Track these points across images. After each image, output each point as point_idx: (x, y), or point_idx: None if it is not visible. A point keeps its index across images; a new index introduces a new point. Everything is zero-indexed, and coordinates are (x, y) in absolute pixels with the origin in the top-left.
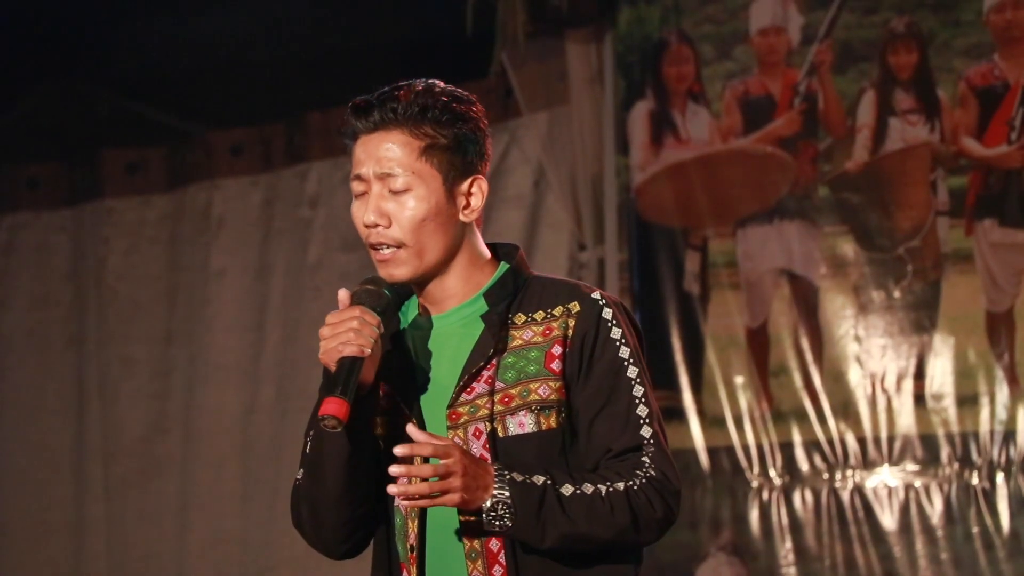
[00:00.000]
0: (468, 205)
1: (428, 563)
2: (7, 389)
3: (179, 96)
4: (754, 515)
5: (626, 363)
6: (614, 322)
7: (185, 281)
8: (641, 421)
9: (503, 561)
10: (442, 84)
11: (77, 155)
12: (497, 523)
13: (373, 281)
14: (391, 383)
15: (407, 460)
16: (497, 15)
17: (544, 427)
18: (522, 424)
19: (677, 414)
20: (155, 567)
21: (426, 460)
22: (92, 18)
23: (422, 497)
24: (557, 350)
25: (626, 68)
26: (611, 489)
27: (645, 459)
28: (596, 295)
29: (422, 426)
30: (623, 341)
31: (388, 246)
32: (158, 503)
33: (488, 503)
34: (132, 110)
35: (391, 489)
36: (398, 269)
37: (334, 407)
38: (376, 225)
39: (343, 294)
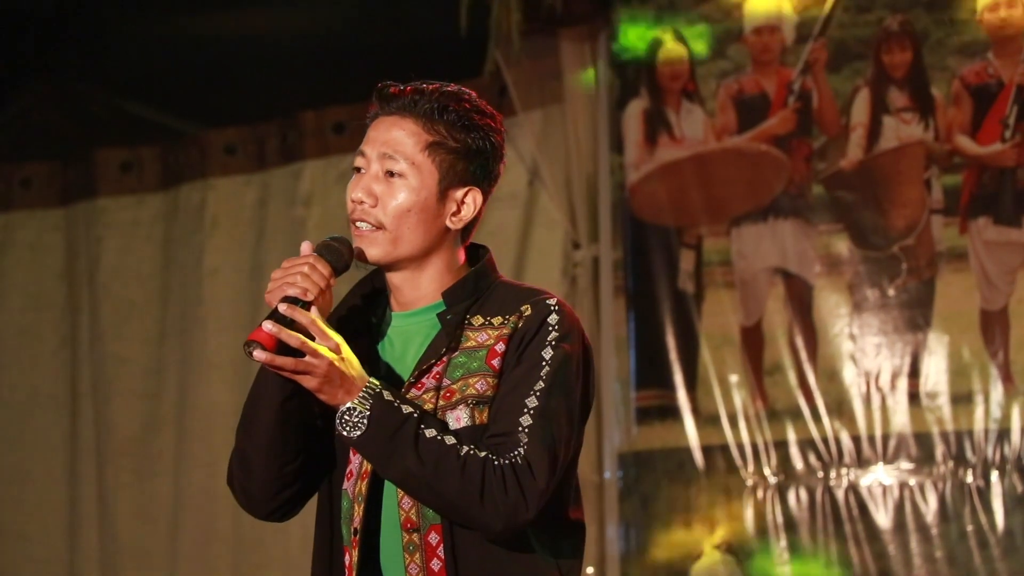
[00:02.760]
0: (458, 212)
1: (370, 548)
2: (0, 388)
3: (173, 95)
4: (749, 513)
5: (544, 362)
6: (555, 327)
7: (178, 280)
8: (525, 410)
9: (441, 555)
10: (474, 95)
11: (71, 154)
12: (345, 428)
13: (339, 239)
14: None
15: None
16: (491, 14)
17: (478, 421)
18: (458, 419)
19: (671, 412)
20: (148, 565)
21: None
22: (86, 17)
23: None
24: (500, 347)
25: (620, 66)
26: (471, 453)
27: (520, 449)
28: (551, 301)
29: None
30: (553, 344)
31: (368, 224)
32: (151, 502)
33: (344, 406)
34: (126, 109)
35: (259, 355)
36: (370, 248)
37: (262, 335)
38: (362, 202)
39: (305, 245)
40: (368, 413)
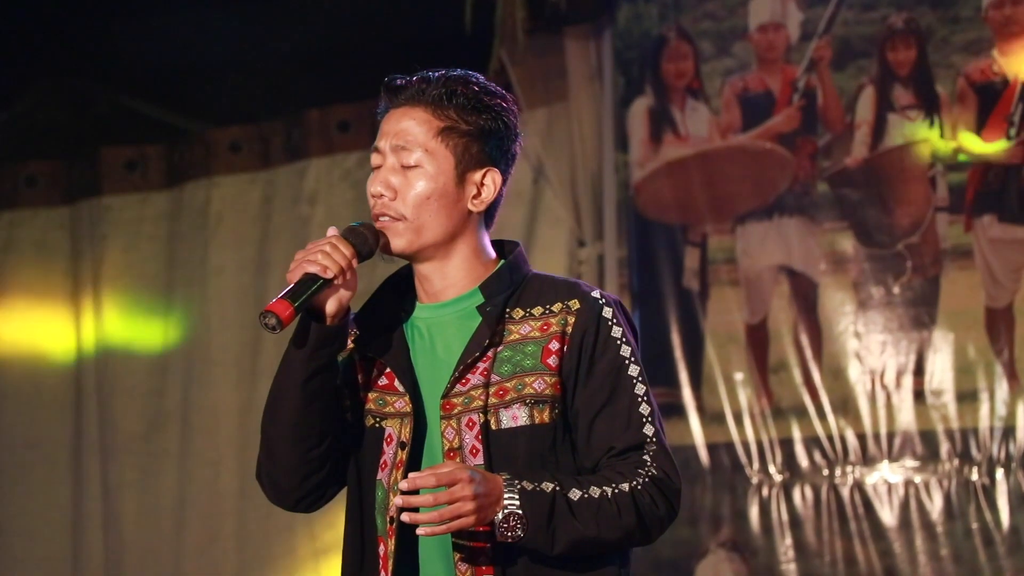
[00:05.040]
0: (479, 195)
1: (407, 535)
2: (4, 385)
3: (177, 93)
4: (754, 511)
5: (627, 362)
6: (614, 321)
7: (183, 278)
8: (643, 420)
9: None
10: (481, 77)
11: (75, 152)
12: (509, 534)
13: (364, 225)
14: (388, 364)
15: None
16: (496, 12)
17: (537, 421)
18: (515, 417)
19: (677, 410)
20: (153, 564)
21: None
22: (90, 15)
23: (439, 524)
24: (555, 346)
25: (625, 65)
26: (616, 491)
27: (646, 458)
28: (596, 293)
29: (418, 412)
30: (623, 340)
31: (389, 216)
32: (156, 500)
33: (500, 515)
34: (130, 107)
35: (404, 517)
36: (395, 239)
37: (278, 306)
38: (381, 196)
39: (331, 229)
40: (520, 513)
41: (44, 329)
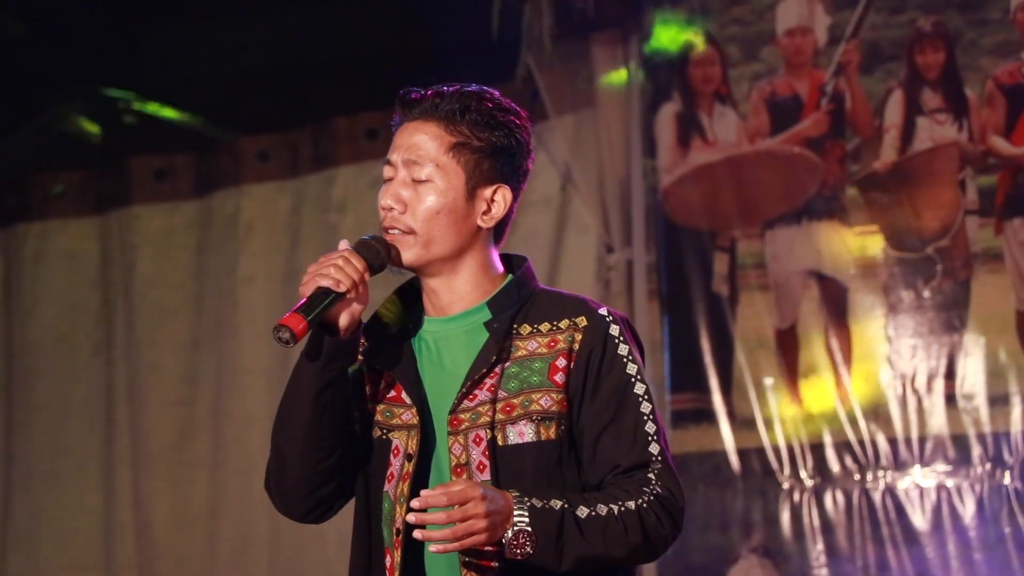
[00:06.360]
0: (488, 211)
1: (414, 547)
2: (36, 395)
3: (206, 102)
4: (785, 517)
5: (633, 379)
6: (621, 338)
7: (213, 287)
8: (649, 438)
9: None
10: (495, 93)
11: (105, 162)
12: (518, 551)
13: (376, 238)
14: (395, 376)
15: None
16: (523, 18)
17: (543, 437)
18: (522, 433)
19: (707, 416)
20: (185, 573)
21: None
22: (119, 25)
23: (452, 541)
24: (562, 362)
25: (652, 70)
26: (623, 509)
27: (651, 476)
28: (603, 311)
29: (425, 425)
30: (630, 357)
31: (399, 229)
32: (187, 509)
33: (510, 533)
34: (159, 117)
35: (417, 534)
36: (404, 252)
37: (292, 320)
38: (391, 209)
39: (343, 243)
40: (530, 530)
41: (75, 338)
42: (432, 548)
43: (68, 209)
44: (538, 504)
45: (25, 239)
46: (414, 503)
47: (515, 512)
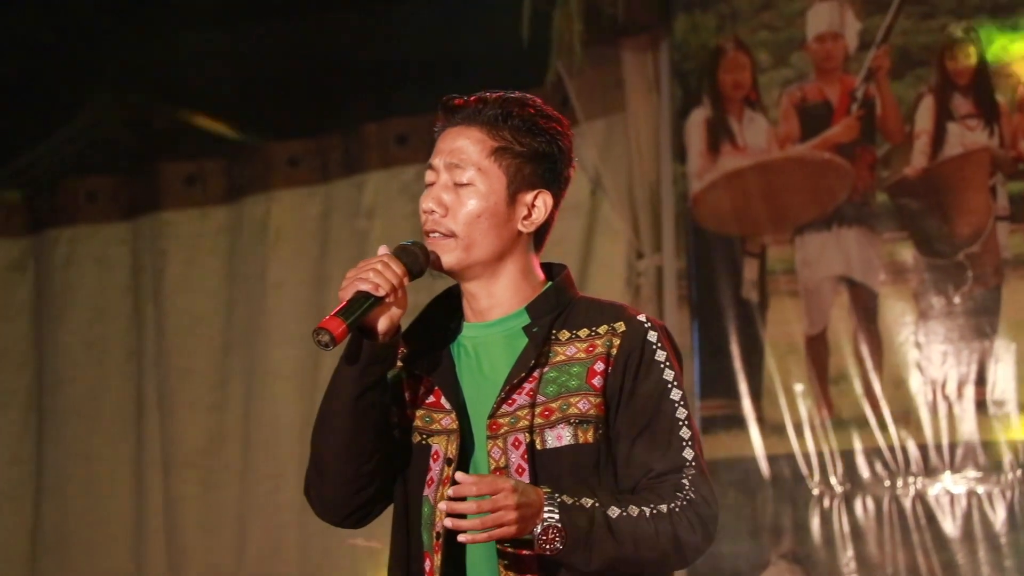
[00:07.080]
0: (529, 216)
1: (454, 551)
2: (67, 401)
3: (236, 108)
4: (815, 523)
5: (670, 386)
6: (659, 345)
7: (243, 292)
8: (684, 444)
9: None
10: (538, 100)
11: (135, 168)
12: (547, 547)
13: (415, 244)
14: (435, 381)
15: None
16: (553, 24)
17: (581, 441)
18: (560, 437)
19: (737, 422)
20: None
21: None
22: (149, 31)
23: (481, 531)
24: (599, 367)
25: (682, 76)
26: (655, 511)
27: (685, 481)
28: (642, 317)
29: (464, 429)
30: (667, 364)
31: (439, 233)
32: (217, 513)
33: (539, 527)
34: (189, 122)
35: (447, 522)
36: (444, 256)
37: (331, 323)
38: (433, 212)
39: (382, 248)
40: (560, 526)
41: (105, 344)
42: (461, 538)
43: (98, 215)
44: (569, 501)
45: (56, 245)
46: (448, 493)
47: (545, 507)
